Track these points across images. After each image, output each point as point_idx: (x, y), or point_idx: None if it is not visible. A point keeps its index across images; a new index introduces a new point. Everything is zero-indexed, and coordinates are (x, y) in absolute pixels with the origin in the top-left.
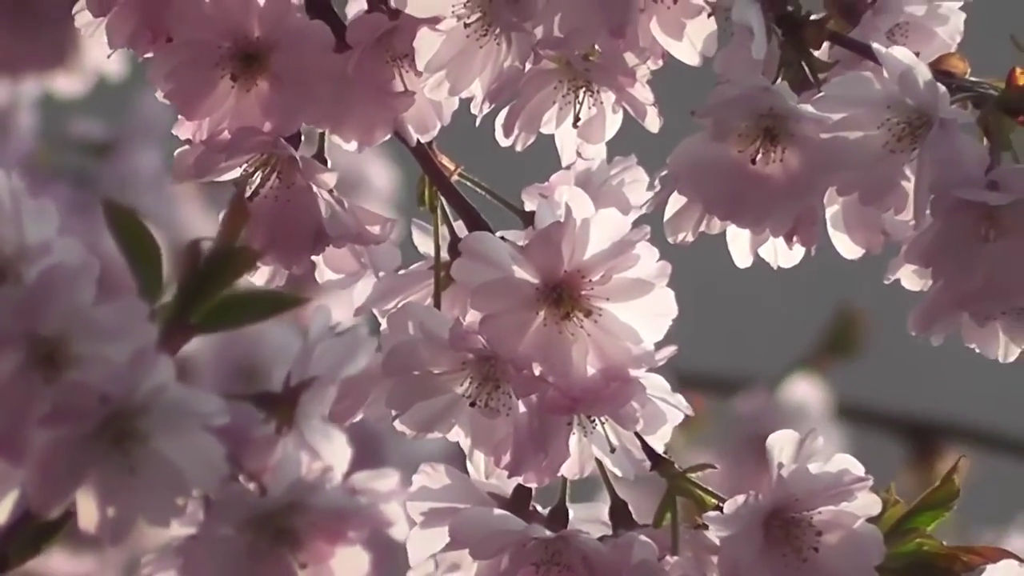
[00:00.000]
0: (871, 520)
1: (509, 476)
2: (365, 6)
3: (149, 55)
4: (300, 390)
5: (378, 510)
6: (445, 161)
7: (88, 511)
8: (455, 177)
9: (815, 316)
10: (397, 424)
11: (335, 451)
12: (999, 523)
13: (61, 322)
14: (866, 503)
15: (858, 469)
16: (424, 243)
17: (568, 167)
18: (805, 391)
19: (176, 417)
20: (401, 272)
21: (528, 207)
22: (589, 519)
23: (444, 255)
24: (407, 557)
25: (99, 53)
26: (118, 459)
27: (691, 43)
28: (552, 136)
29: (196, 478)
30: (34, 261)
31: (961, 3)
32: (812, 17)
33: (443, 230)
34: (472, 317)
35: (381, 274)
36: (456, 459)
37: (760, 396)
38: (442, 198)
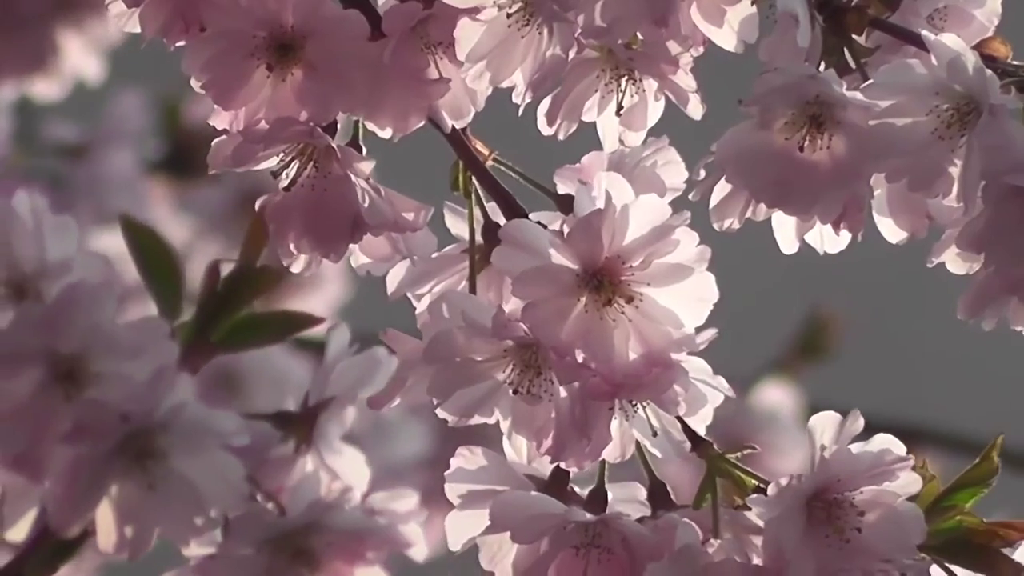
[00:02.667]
0: (910, 498)
1: (551, 461)
2: None
3: (181, 44)
4: (318, 410)
5: (396, 531)
6: (479, 146)
7: (107, 529)
8: (489, 162)
9: (786, 320)
10: (439, 411)
11: (354, 471)
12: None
13: (82, 339)
14: (907, 482)
15: (899, 449)
16: (456, 226)
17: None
18: (777, 395)
19: (196, 436)
20: (434, 256)
21: (561, 190)
22: (627, 499)
23: (478, 239)
24: None
25: (78, 57)
26: (138, 477)
27: (731, 29)
28: (582, 119)
29: (215, 497)
30: (55, 278)
31: None
32: (853, 3)
33: (476, 213)
34: (512, 304)
35: (416, 258)
36: (436, 463)
37: (732, 400)
38: (476, 183)
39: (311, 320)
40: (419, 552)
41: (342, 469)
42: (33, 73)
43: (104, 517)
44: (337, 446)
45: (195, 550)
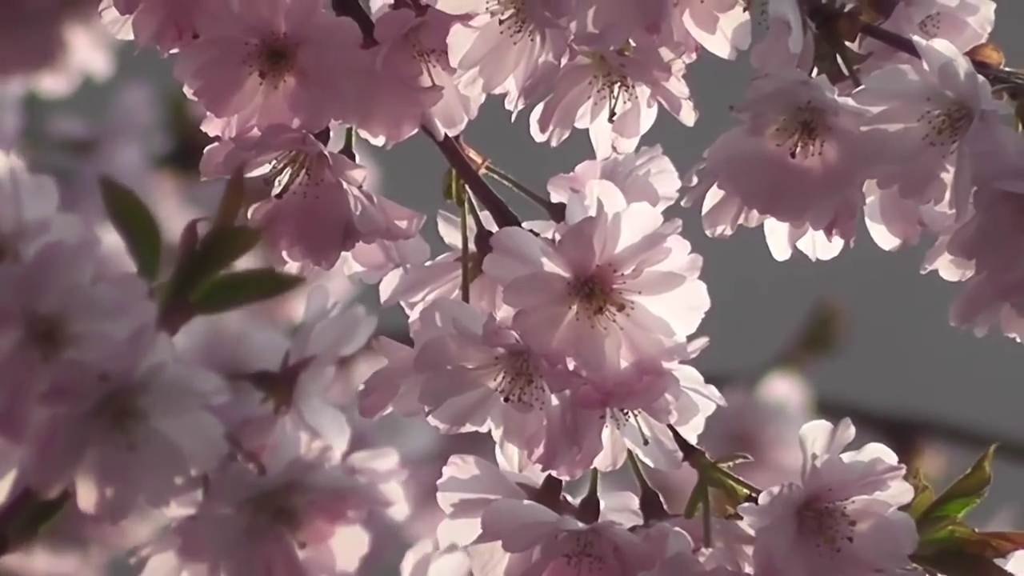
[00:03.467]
0: (902, 508)
1: (543, 469)
2: (390, 1)
3: (174, 51)
4: (298, 369)
5: (377, 489)
6: (472, 154)
7: (87, 490)
8: (482, 171)
9: (793, 313)
10: (431, 419)
11: (334, 430)
12: (979, 519)
13: (60, 300)
14: (898, 491)
15: (891, 458)
16: (450, 234)
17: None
18: (784, 388)
19: (175, 396)
20: (427, 264)
21: (554, 198)
22: (619, 508)
23: (471, 247)
24: (405, 536)
25: (86, 52)
26: (117, 437)
27: (724, 36)
28: (574, 126)
29: (195, 457)
30: (33, 239)
31: None
32: (846, 9)
33: (469, 221)
34: (504, 312)
35: (408, 267)
36: (443, 458)
37: (739, 393)
38: (469, 191)
39: (292, 280)
40: (400, 511)
41: (322, 428)
42: (40, 68)
43: (84, 478)
44: (317, 405)
45: (175, 511)
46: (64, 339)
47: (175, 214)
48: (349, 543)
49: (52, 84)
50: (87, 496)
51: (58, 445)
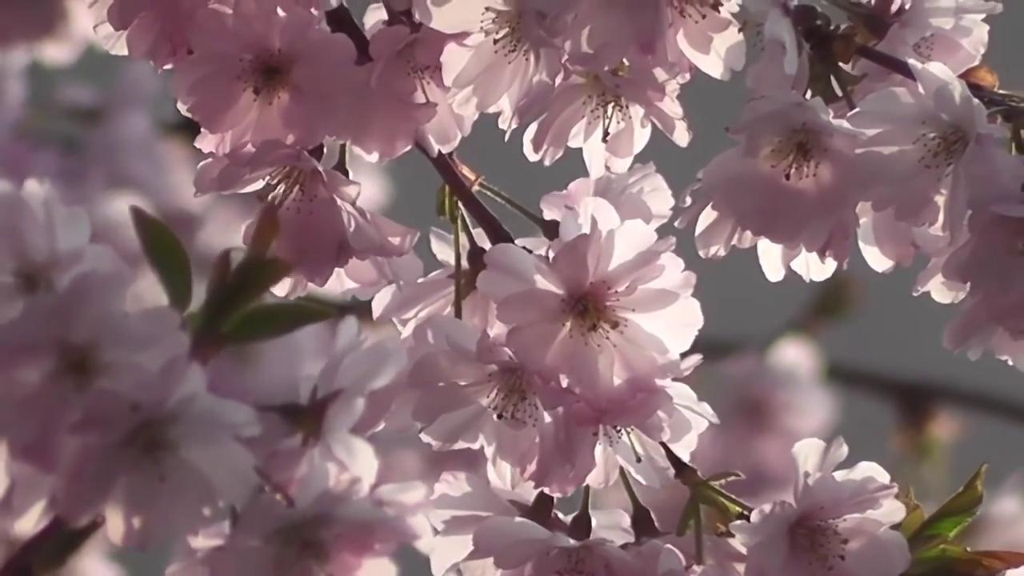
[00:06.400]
0: (894, 526)
1: (535, 486)
2: (385, 18)
3: (168, 66)
4: (327, 402)
5: (405, 522)
6: (466, 171)
7: (117, 520)
8: (475, 187)
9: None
10: (423, 436)
11: (362, 463)
12: (989, 485)
13: (92, 329)
14: (890, 510)
15: (883, 477)
16: (442, 251)
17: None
18: (796, 354)
19: (206, 427)
20: (420, 280)
21: (547, 215)
22: (610, 526)
23: (464, 264)
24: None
25: (87, 21)
26: (148, 468)
27: (718, 56)
28: (568, 145)
29: (225, 488)
30: (66, 268)
31: (984, 15)
32: (840, 31)
33: (462, 238)
34: (497, 329)
35: (401, 283)
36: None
37: (751, 359)
38: (462, 207)
39: (322, 312)
40: (426, 544)
41: (350, 461)
42: (43, 37)
43: (114, 508)
44: (345, 438)
45: (202, 542)
46: (96, 369)
47: (185, 182)
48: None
49: (55, 53)
50: (116, 526)
51: (89, 474)
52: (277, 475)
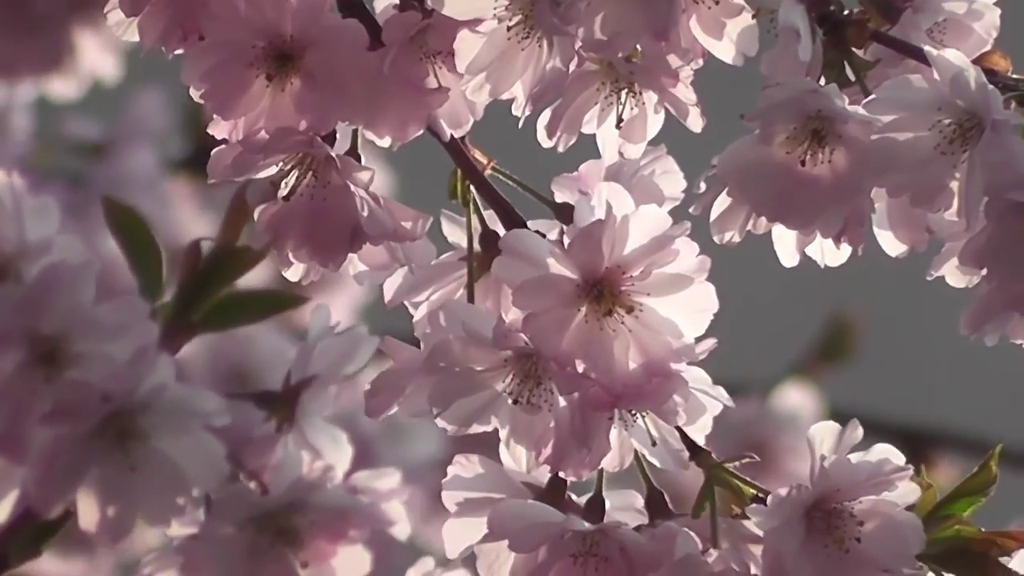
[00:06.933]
0: (908, 507)
1: (551, 471)
2: (395, 3)
3: (179, 52)
4: (300, 389)
5: (379, 509)
6: (478, 155)
7: (88, 510)
8: (488, 171)
9: (808, 323)
10: (439, 421)
11: (336, 450)
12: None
13: (62, 320)
14: (905, 491)
15: (898, 458)
16: (453, 233)
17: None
18: (798, 398)
19: (177, 416)
20: (432, 263)
21: (558, 198)
22: (624, 507)
23: (476, 247)
24: (406, 555)
25: (94, 56)
26: (119, 458)
27: (731, 42)
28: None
29: (197, 477)
30: (35, 259)
31: None
32: (853, 16)
33: (474, 221)
34: (512, 314)
35: (414, 267)
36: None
37: (753, 403)
38: (474, 191)
39: (294, 300)
40: (402, 530)
41: (324, 448)
42: (49, 72)
43: (86, 498)
44: (319, 425)
45: (177, 530)
46: (66, 359)
47: (191, 219)
48: (351, 563)
49: (62, 87)
50: (88, 516)
51: (60, 465)
52: (251, 462)
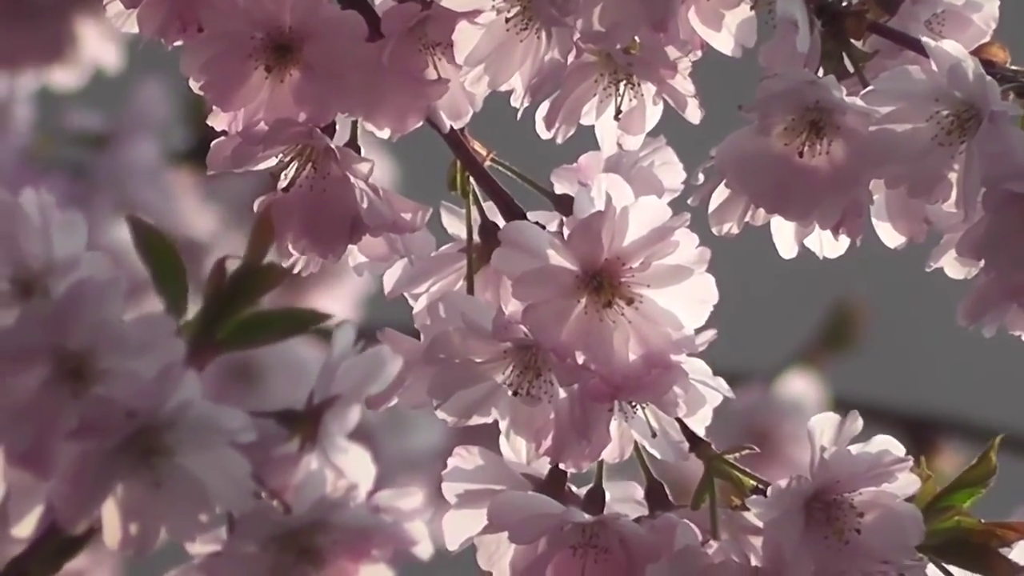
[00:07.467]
0: (908, 499)
1: (551, 462)
2: None
3: (178, 43)
4: (323, 408)
5: (402, 528)
6: (477, 147)
7: (113, 526)
8: (487, 162)
9: (812, 311)
10: (439, 412)
11: (359, 469)
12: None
13: (89, 336)
14: (905, 483)
15: (898, 450)
16: (453, 224)
17: None
18: (802, 386)
19: (202, 433)
20: (432, 254)
21: (558, 189)
22: (623, 498)
23: (476, 239)
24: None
25: (96, 46)
26: (144, 474)
27: (729, 34)
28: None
29: (221, 494)
30: (62, 275)
31: None
32: (852, 7)
33: (474, 213)
34: (512, 306)
35: (413, 258)
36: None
37: (757, 391)
38: (473, 183)
39: (317, 317)
40: (424, 550)
41: (347, 467)
42: (51, 62)
43: (110, 514)
44: (342, 444)
45: (200, 548)
46: (92, 375)
47: (194, 210)
48: None
49: (63, 78)
50: (112, 531)
51: (85, 481)
52: (274, 481)
